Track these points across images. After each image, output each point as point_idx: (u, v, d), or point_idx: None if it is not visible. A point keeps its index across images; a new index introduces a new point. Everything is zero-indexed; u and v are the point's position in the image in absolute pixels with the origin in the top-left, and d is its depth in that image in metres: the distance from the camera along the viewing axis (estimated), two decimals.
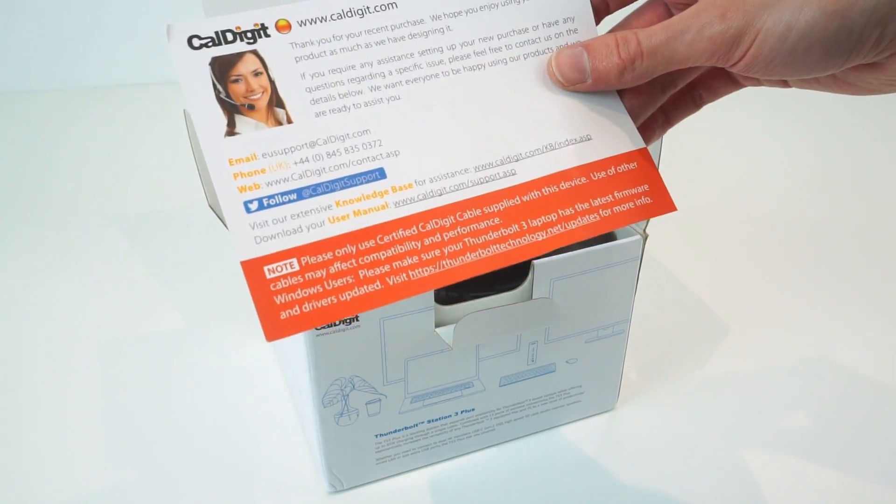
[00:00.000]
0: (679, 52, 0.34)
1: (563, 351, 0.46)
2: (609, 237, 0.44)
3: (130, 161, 0.78)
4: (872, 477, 0.47)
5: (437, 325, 0.42)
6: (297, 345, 0.41)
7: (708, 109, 0.41)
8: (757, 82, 0.37)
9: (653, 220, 0.43)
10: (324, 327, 0.39)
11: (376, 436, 0.44)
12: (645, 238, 0.44)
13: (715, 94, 0.41)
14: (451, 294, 0.42)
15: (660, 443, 0.49)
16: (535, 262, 0.42)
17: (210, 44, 0.33)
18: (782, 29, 0.32)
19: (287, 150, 0.33)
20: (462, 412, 0.46)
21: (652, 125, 0.40)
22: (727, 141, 0.83)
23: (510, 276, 0.42)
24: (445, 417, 0.45)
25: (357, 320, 0.40)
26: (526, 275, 0.42)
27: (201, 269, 0.63)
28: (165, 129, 0.82)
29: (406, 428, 0.45)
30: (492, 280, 0.40)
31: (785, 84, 0.37)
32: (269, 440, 0.49)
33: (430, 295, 0.41)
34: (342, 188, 0.33)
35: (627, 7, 0.39)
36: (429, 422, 0.45)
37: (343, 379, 0.41)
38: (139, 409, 0.51)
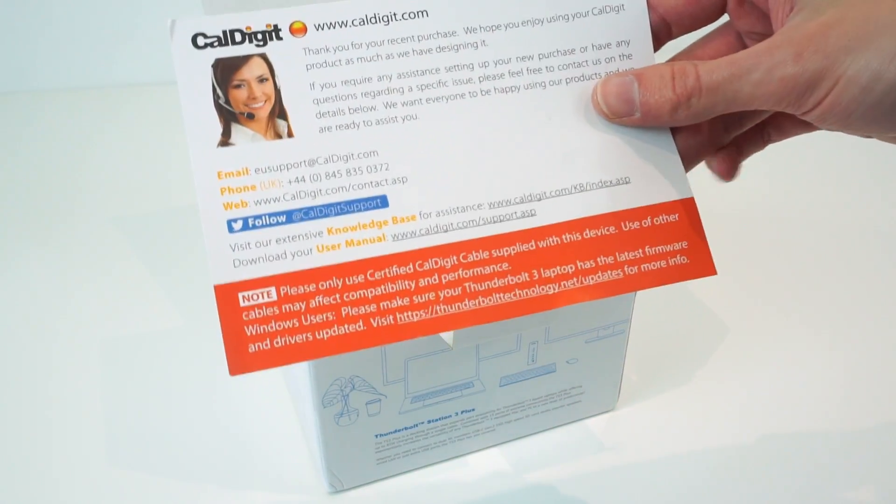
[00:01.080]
0: (743, 93, 0.29)
1: (563, 351, 0.46)
2: None
3: (131, 161, 0.78)
4: (870, 478, 0.47)
5: None
6: None
7: None
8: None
9: None
10: None
11: (376, 436, 0.44)
12: None
13: (785, 134, 0.36)
14: None
15: (660, 443, 0.49)
16: None
17: (216, 44, 0.31)
18: (868, 78, 0.27)
19: (282, 167, 0.30)
20: (462, 412, 0.46)
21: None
22: None
23: None
24: (446, 417, 0.45)
25: None
26: None
27: (202, 268, 0.63)
28: (166, 129, 0.81)
29: (406, 428, 0.45)
30: None
31: (867, 135, 0.31)
32: (269, 440, 0.49)
33: None
34: (337, 214, 0.30)
35: (694, 33, 0.35)
36: (429, 422, 0.45)
37: (343, 379, 0.41)
38: (139, 409, 0.51)
